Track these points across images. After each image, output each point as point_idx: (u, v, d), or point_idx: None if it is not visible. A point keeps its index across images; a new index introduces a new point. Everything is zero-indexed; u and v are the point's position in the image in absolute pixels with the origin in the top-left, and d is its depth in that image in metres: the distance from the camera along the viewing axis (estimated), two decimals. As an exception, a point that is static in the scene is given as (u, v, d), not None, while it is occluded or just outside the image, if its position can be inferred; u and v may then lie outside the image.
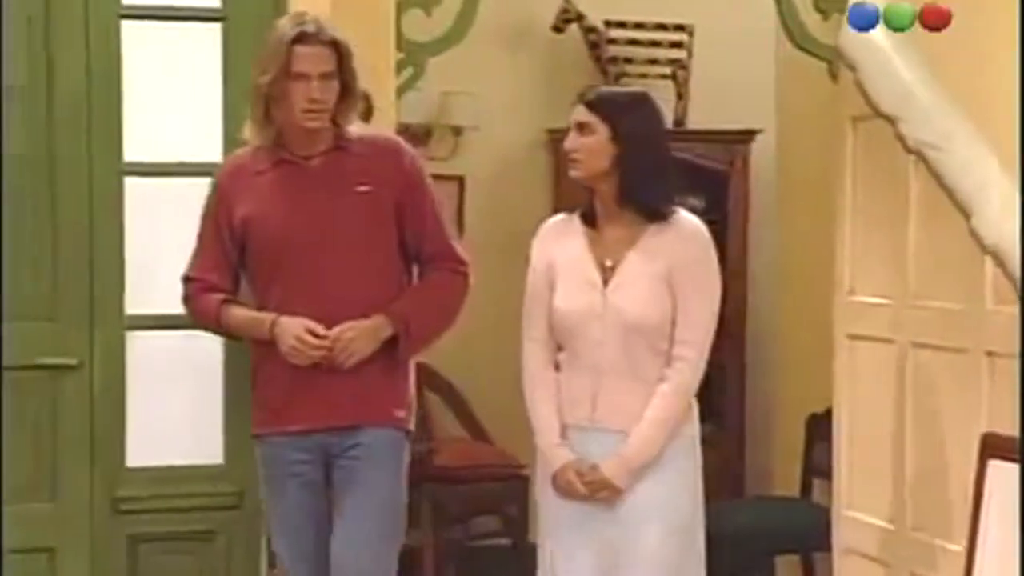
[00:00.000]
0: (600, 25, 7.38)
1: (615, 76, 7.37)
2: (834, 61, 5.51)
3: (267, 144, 4.16)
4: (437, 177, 7.22)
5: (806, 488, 6.33)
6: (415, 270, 4.30)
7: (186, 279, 4.26)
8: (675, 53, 7.46)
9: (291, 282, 4.13)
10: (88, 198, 4.63)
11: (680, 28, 7.43)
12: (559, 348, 4.10)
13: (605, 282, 3.97)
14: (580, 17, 7.33)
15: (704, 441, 7.67)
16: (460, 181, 7.44)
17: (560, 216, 4.16)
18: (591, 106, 3.96)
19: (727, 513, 6.13)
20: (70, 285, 4.60)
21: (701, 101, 7.47)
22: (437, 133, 7.41)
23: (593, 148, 3.93)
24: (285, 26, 4.11)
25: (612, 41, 7.41)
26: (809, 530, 5.84)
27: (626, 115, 3.95)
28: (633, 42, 7.42)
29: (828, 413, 5.41)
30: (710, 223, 7.31)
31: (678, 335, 3.95)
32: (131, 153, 4.67)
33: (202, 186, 4.30)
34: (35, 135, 4.63)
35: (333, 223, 4.13)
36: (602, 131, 3.93)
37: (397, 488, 4.23)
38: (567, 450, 4.01)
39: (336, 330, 4.06)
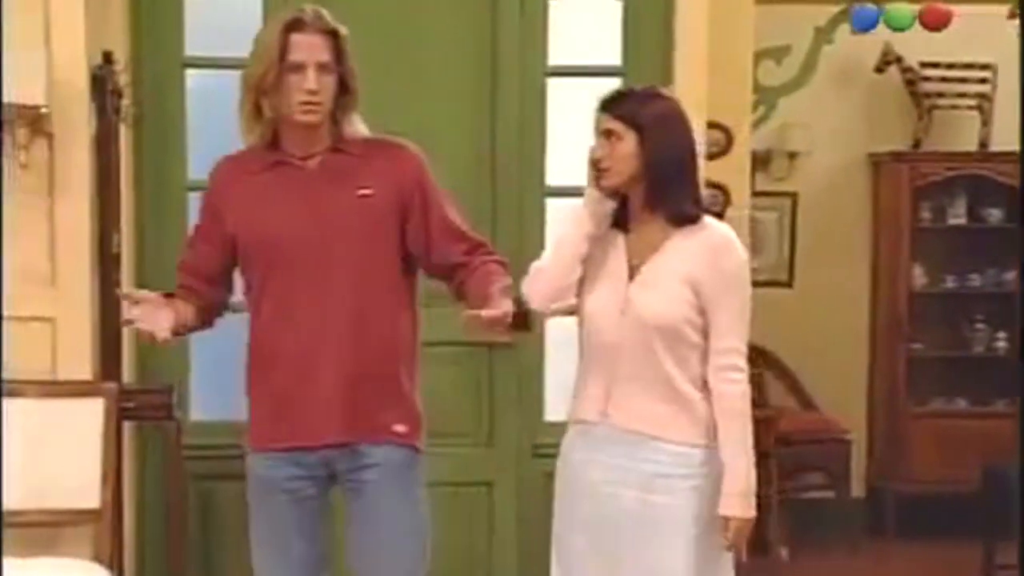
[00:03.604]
0: (916, 66, 7.36)
1: (928, 108, 7.39)
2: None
3: (260, 143, 3.40)
4: (774, 194, 7.62)
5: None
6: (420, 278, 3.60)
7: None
8: (981, 88, 7.40)
9: (286, 288, 3.41)
10: (518, 214, 4.87)
11: (985, 67, 7.35)
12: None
13: (630, 281, 3.39)
14: (899, 59, 7.32)
15: (1000, 412, 7.77)
16: (794, 197, 7.59)
17: None
18: (614, 113, 3.35)
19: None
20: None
21: (1003, 127, 7.35)
22: (775, 157, 7.52)
23: (623, 154, 3.32)
24: (282, 15, 3.36)
25: (926, 79, 7.38)
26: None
27: (648, 115, 3.32)
28: (944, 79, 7.39)
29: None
30: (1008, 229, 7.44)
31: (723, 343, 3.34)
32: (552, 179, 4.88)
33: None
34: (481, 163, 4.87)
35: (331, 227, 3.38)
36: (629, 137, 3.32)
37: (416, 515, 3.53)
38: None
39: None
